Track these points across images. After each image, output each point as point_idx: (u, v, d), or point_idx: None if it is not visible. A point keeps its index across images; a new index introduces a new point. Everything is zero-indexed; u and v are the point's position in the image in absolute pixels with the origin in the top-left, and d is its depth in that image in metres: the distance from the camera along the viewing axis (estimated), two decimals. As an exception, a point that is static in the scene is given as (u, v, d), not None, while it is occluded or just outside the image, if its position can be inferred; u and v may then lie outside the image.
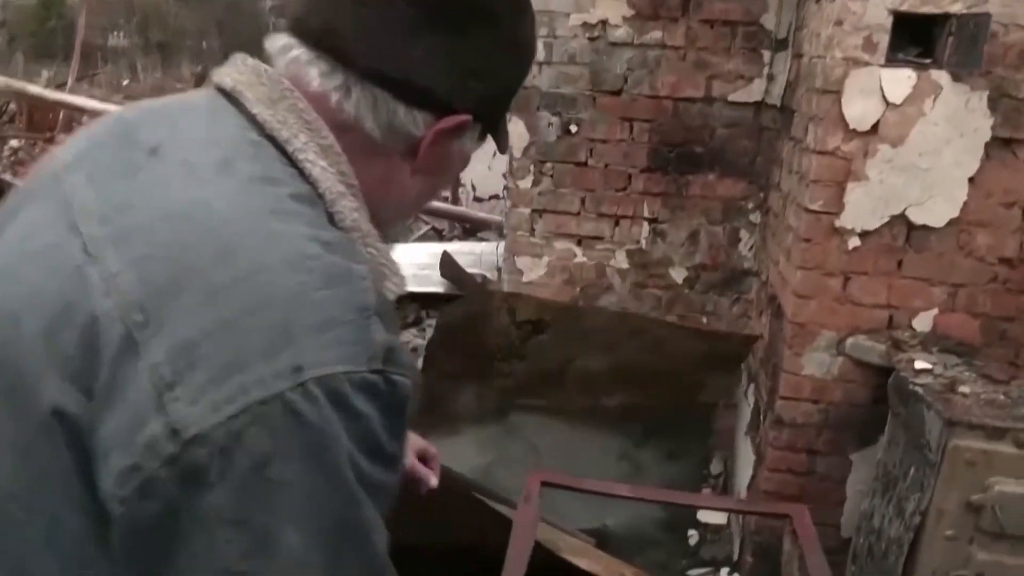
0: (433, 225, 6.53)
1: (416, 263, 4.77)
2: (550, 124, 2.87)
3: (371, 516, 0.60)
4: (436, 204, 5.03)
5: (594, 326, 2.82)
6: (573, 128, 2.87)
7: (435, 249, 5.04)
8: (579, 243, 2.98)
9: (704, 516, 3.10)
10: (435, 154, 0.72)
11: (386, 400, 0.59)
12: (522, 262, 3.02)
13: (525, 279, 3.03)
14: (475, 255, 4.73)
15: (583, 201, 2.94)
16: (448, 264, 4.35)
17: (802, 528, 1.56)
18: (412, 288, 4.60)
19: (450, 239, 5.87)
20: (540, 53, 2.81)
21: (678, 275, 2.97)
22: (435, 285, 4.60)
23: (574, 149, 2.89)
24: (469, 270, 4.35)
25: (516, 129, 2.90)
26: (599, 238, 2.96)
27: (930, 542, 1.97)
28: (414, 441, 1.30)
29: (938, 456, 1.92)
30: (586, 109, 2.85)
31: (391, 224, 0.77)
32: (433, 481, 1.32)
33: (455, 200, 6.79)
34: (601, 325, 2.81)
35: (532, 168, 2.92)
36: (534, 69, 2.84)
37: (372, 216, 0.72)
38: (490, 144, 0.78)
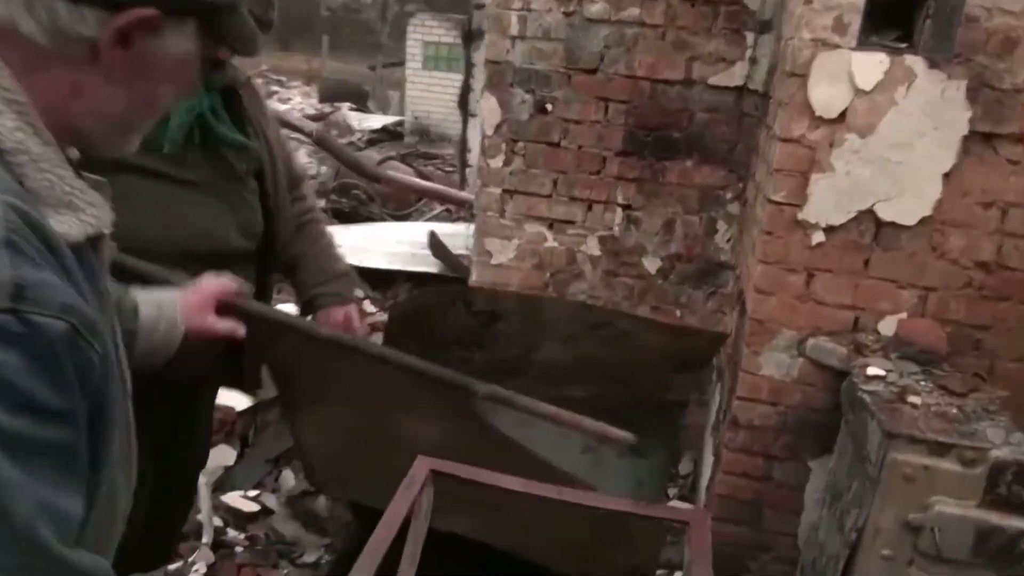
0: (448, 207, 6.48)
1: (419, 242, 4.73)
2: (523, 101, 2.77)
3: (8, 475, 0.54)
4: (418, 182, 4.96)
5: (555, 317, 2.73)
6: (548, 107, 2.77)
7: (443, 230, 4.98)
8: (550, 227, 2.88)
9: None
10: (128, 58, 0.66)
11: (27, 344, 0.54)
12: (491, 244, 2.94)
13: (494, 261, 2.95)
14: (467, 236, 4.67)
15: (555, 183, 2.83)
16: (435, 244, 4.29)
17: (697, 537, 1.45)
18: (406, 267, 4.56)
19: (455, 220, 5.81)
20: (514, 26, 2.71)
21: (651, 265, 2.85)
22: (430, 265, 4.55)
23: (547, 128, 2.79)
24: (458, 251, 4.28)
25: (488, 105, 2.81)
26: (571, 222, 2.86)
27: (866, 561, 1.84)
28: (211, 292, 1.33)
29: (877, 470, 1.79)
30: (560, 87, 2.74)
31: (105, 142, 0.72)
32: (239, 330, 1.35)
33: (463, 180, 6.72)
34: (563, 316, 2.71)
35: (503, 147, 2.83)
36: (506, 43, 2.74)
37: (71, 135, 0.67)
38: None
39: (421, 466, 1.57)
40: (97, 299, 0.68)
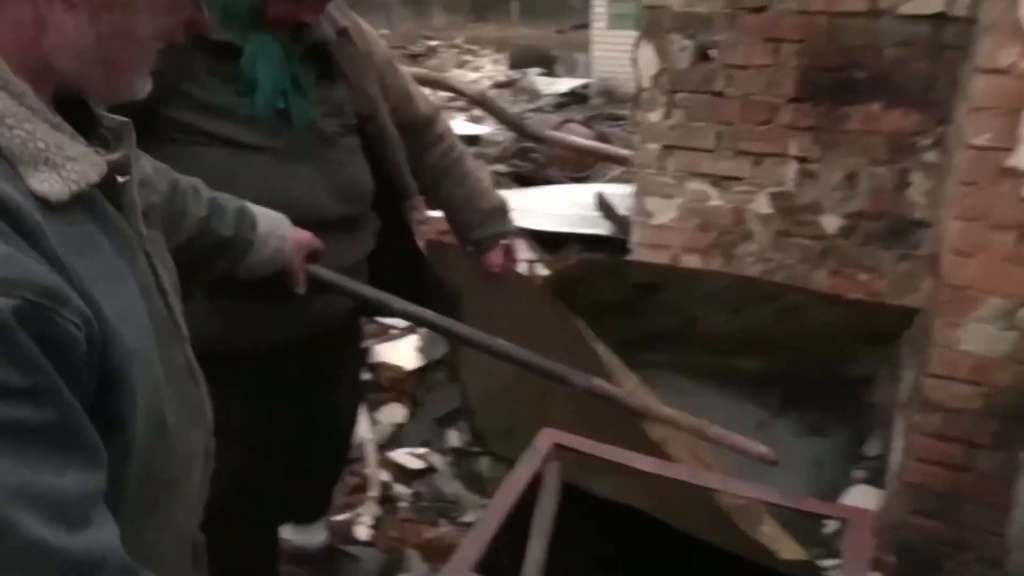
0: (628, 169, 6.29)
1: (592, 204, 4.62)
2: (682, 49, 2.56)
3: None
4: (579, 140, 4.79)
5: (718, 288, 2.52)
6: (710, 53, 2.54)
7: (614, 190, 4.84)
8: (715, 184, 2.66)
9: (851, 498, 2.71)
10: None
11: None
12: (651, 204, 2.77)
13: (654, 222, 2.78)
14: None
15: (719, 136, 2.61)
16: (604, 205, 4.16)
17: (854, 540, 1.26)
18: (576, 229, 4.48)
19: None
20: (672, -34, 2.50)
21: (831, 224, 2.55)
22: (600, 227, 4.43)
23: (709, 77, 2.56)
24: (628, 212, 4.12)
25: (645, 54, 2.63)
26: (738, 178, 2.63)
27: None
28: (305, 241, 1.35)
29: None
30: (724, 30, 2.50)
31: (90, 84, 0.66)
32: (300, 289, 1.35)
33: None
34: (726, 287, 2.49)
35: (663, 99, 2.64)
36: (664, -15, 2.54)
37: (53, 78, 0.63)
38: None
39: (545, 438, 1.50)
40: (110, 252, 0.65)
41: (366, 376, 3.03)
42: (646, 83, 2.65)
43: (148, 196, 0.85)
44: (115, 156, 0.68)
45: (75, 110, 0.68)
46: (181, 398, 0.77)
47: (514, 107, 11.32)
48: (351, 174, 1.55)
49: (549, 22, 21.10)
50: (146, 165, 0.88)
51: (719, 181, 2.65)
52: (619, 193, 4.41)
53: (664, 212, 2.75)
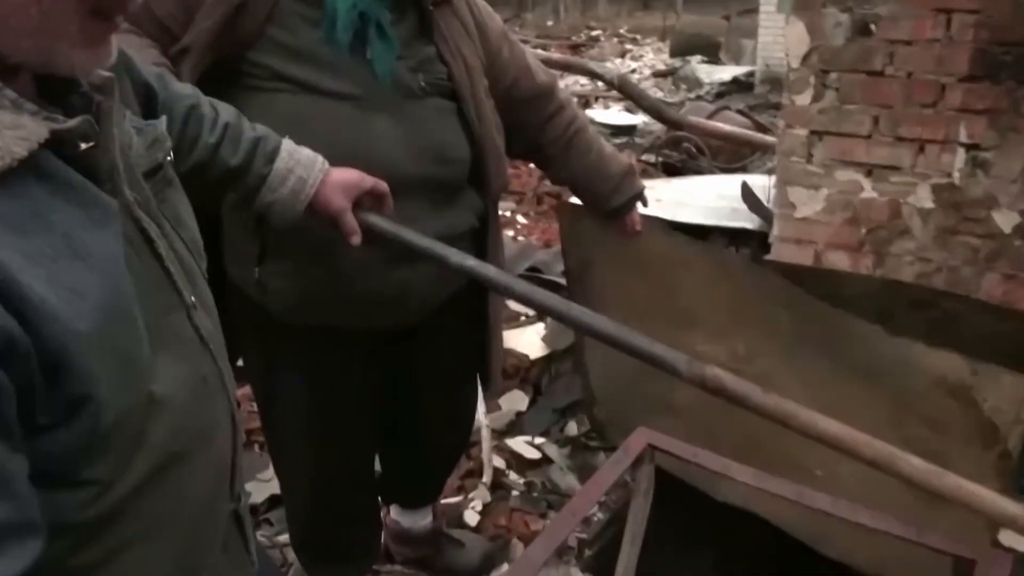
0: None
1: (737, 195, 4.38)
2: (838, 24, 2.33)
3: None
4: (723, 127, 4.51)
5: (859, 292, 2.27)
6: (871, 27, 2.29)
7: (761, 181, 4.56)
8: (868, 174, 2.41)
9: (1008, 539, 2.38)
10: None
11: None
12: (795, 194, 2.55)
13: (798, 215, 2.56)
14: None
15: (876, 121, 2.35)
16: (749, 196, 3.89)
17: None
18: (721, 222, 4.25)
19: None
20: (828, -66, 2.27)
21: (1006, 221, 2.23)
22: (748, 220, 4.18)
23: (868, 54, 2.31)
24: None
25: (795, 31, 2.41)
26: (895, 168, 2.36)
27: None
28: (352, 181, 1.24)
29: None
30: (886, 1, 2.24)
31: (16, 49, 0.60)
32: (355, 239, 1.25)
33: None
34: (868, 292, 2.25)
35: (812, 80, 2.41)
36: (818, -46, 2.31)
37: None
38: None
39: (638, 438, 1.39)
40: (66, 224, 0.62)
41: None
42: (795, 63, 2.44)
43: (154, 154, 0.80)
44: (71, 124, 0.63)
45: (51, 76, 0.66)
46: (186, 369, 0.74)
47: (674, 96, 11.03)
48: (436, 135, 1.46)
49: (716, 8, 20.35)
50: (159, 124, 0.84)
51: (874, 170, 2.40)
52: (766, 184, 4.14)
53: (809, 204, 2.53)
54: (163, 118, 0.86)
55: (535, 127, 1.72)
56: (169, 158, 0.83)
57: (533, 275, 3.40)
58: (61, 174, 0.63)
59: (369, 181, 1.26)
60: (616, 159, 1.82)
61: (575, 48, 15.44)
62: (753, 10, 13.45)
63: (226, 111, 1.18)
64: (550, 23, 22.27)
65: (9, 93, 0.60)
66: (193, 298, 0.78)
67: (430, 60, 1.46)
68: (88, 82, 0.70)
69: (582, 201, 1.88)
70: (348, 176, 1.25)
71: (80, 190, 0.64)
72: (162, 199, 0.78)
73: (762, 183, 4.21)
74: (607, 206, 1.82)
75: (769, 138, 4.29)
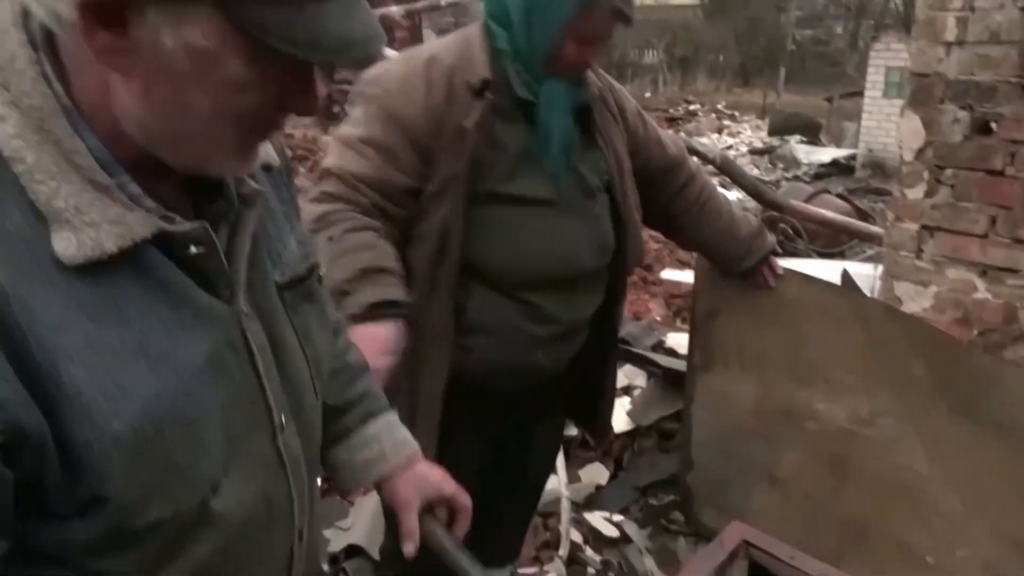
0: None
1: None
2: (956, 120, 2.29)
3: None
4: (824, 213, 4.40)
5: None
6: (991, 125, 2.24)
7: (862, 269, 4.43)
8: (982, 274, 2.32)
9: None
10: (122, 47, 0.56)
11: None
12: (902, 289, 2.48)
13: (905, 311, 2.49)
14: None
15: (993, 220, 2.28)
16: (849, 286, 3.79)
17: None
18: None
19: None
20: (950, 30, 2.26)
21: None
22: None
23: (987, 153, 2.26)
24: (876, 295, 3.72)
25: (910, 125, 2.38)
26: (1013, 271, 2.27)
27: None
28: (433, 482, 1.06)
29: None
30: (1010, 101, 2.19)
31: (174, 155, 0.63)
32: (408, 548, 1.03)
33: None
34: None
35: (926, 174, 2.37)
36: (938, 51, 2.29)
37: (124, 141, 0.61)
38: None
39: (732, 533, 1.36)
40: (147, 321, 0.62)
41: (572, 431, 3.00)
42: (908, 156, 2.40)
43: (302, 266, 0.80)
44: (183, 227, 0.63)
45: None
46: (253, 490, 0.71)
47: (770, 175, 10.94)
48: (605, 229, 1.58)
49: (818, 89, 20.21)
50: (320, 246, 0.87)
51: (989, 271, 2.32)
52: (867, 273, 4.03)
53: (917, 300, 2.46)
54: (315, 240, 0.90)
55: (668, 197, 1.78)
56: (317, 273, 0.83)
57: (623, 347, 3.39)
58: (161, 272, 0.63)
59: (450, 489, 1.06)
60: (745, 221, 1.86)
61: (672, 121, 15.55)
62: (857, 93, 13.31)
63: (354, 355, 1.07)
64: (648, 95, 22.54)
65: (133, 188, 0.62)
66: (283, 418, 0.74)
67: (595, 158, 1.56)
68: (239, 192, 0.70)
69: (715, 265, 1.93)
70: (430, 475, 1.06)
71: (177, 291, 0.64)
72: (296, 311, 0.78)
73: (863, 272, 4.10)
74: (740, 268, 1.86)
75: (874, 228, 4.19)
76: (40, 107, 0.57)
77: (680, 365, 3.10)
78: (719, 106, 19.80)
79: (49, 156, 0.57)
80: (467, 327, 1.51)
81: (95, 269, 0.58)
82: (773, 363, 1.93)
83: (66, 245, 0.57)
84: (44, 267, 0.56)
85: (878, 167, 10.98)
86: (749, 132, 15.69)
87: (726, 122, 17.22)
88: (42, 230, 0.57)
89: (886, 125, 11.11)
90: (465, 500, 1.07)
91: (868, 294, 3.64)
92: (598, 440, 2.02)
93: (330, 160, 1.48)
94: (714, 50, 26.76)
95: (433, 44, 1.55)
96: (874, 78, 11.54)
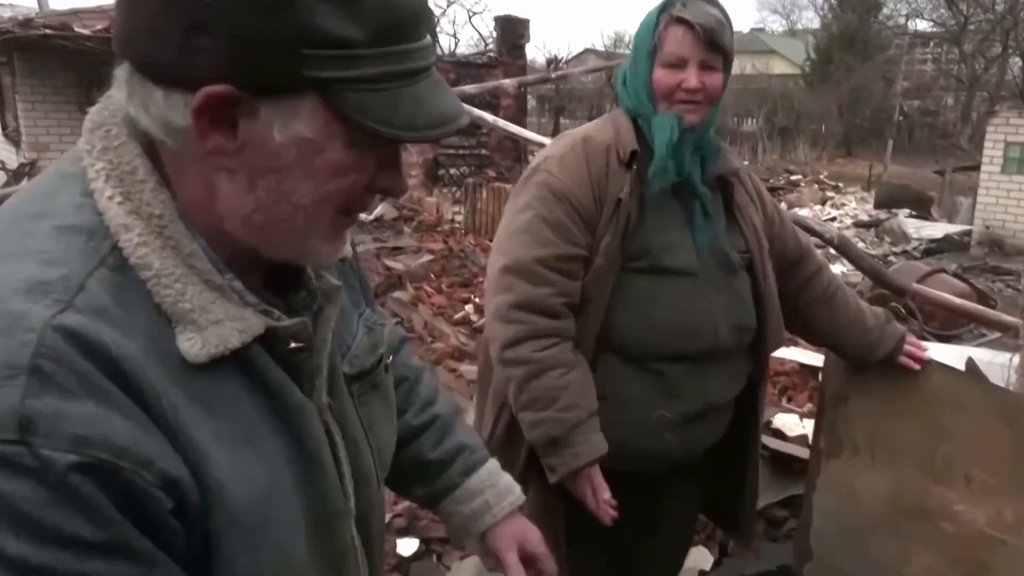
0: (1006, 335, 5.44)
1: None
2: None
3: None
4: (952, 299, 4.19)
5: None
6: None
7: (989, 358, 4.21)
8: None
9: None
10: (230, 147, 0.60)
11: (40, 477, 0.52)
12: (1041, 386, 2.36)
13: (1043, 407, 2.35)
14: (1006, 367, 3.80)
15: None
16: (976, 376, 3.59)
17: None
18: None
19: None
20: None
21: None
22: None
23: None
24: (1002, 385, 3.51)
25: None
26: None
27: None
28: (527, 535, 1.07)
29: None
30: None
31: (272, 246, 0.65)
32: None
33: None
34: None
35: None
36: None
37: (239, 239, 0.64)
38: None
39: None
40: (254, 415, 0.65)
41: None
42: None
43: (370, 358, 0.82)
44: (288, 323, 0.66)
45: (289, 269, 0.70)
46: None
47: (876, 249, 10.59)
48: (746, 308, 1.59)
49: (926, 161, 19.58)
50: (387, 328, 0.87)
51: None
52: (997, 362, 3.81)
53: (1057, 398, 2.32)
54: (391, 323, 0.90)
55: (797, 288, 1.77)
56: (384, 362, 0.85)
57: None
58: (261, 367, 0.65)
59: (540, 547, 1.07)
60: (872, 311, 1.83)
61: (773, 191, 15.32)
62: (972, 168, 12.82)
63: (445, 403, 1.09)
64: (747, 162, 22.31)
65: (237, 285, 0.64)
66: (353, 506, 0.76)
67: (735, 235, 1.59)
68: (319, 287, 0.73)
69: (846, 359, 1.88)
70: (525, 528, 1.08)
71: (276, 387, 0.66)
72: (363, 402, 0.79)
73: (988, 359, 3.89)
74: (873, 358, 1.81)
75: (1008, 318, 3.99)
76: (160, 215, 0.61)
77: (788, 448, 3.01)
78: (821, 176, 19.41)
79: (171, 261, 0.61)
80: (597, 399, 1.52)
81: (208, 366, 0.61)
82: (907, 455, 1.85)
83: (191, 344, 0.60)
84: (170, 366, 0.59)
85: (996, 245, 10.48)
86: (854, 204, 15.28)
87: (829, 193, 16.84)
88: (167, 331, 0.60)
89: (1005, 201, 10.63)
90: (552, 568, 1.08)
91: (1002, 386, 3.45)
92: (742, 542, 1.96)
93: (503, 258, 1.51)
94: (815, 119, 26.31)
95: (585, 126, 1.62)
96: (992, 153, 11.09)
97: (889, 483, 1.87)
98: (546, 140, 6.35)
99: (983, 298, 5.88)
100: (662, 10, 1.48)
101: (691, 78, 1.46)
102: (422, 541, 2.66)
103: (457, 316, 4.44)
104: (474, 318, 4.41)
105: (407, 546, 2.61)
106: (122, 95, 0.62)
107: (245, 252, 0.65)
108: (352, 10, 0.57)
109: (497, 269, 1.52)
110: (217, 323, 0.62)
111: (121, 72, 0.62)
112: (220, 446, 0.61)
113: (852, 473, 1.93)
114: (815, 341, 1.96)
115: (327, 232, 0.66)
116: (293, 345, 0.67)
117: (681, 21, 1.45)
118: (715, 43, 1.45)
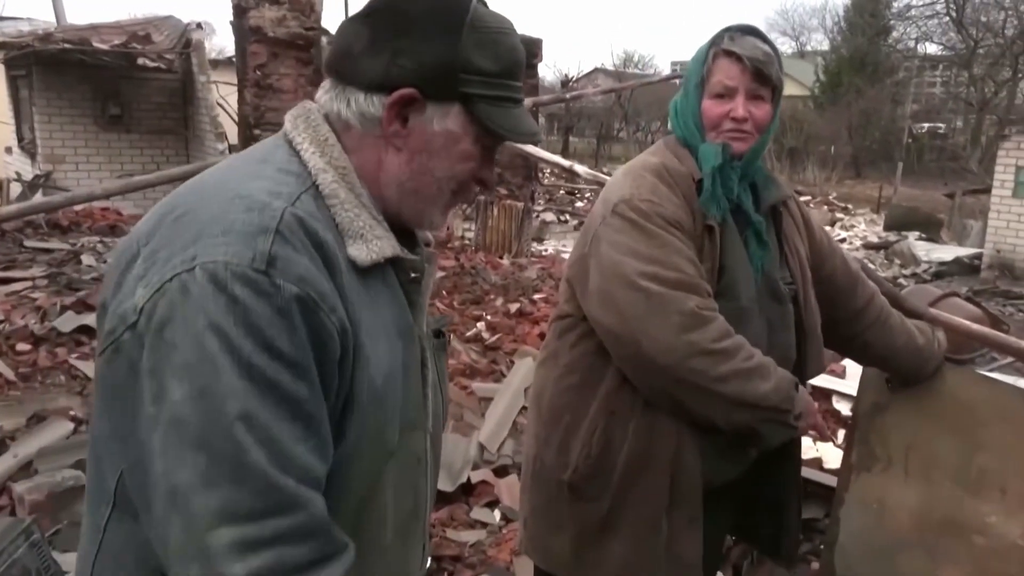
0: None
1: None
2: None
3: (247, 403, 0.71)
4: (968, 324, 4.16)
5: None
6: None
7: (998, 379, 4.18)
8: None
9: None
10: (405, 133, 0.87)
11: (273, 299, 0.73)
12: (1059, 412, 2.34)
13: (1062, 435, 2.34)
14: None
15: None
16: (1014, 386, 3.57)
17: None
18: None
19: (1031, 375, 4.75)
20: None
21: None
22: None
23: None
24: None
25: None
26: None
27: None
28: None
29: None
30: None
31: (404, 210, 0.91)
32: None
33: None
34: None
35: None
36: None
37: (388, 199, 0.89)
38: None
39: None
40: (388, 317, 0.87)
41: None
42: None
43: (438, 323, 1.05)
44: (414, 257, 0.91)
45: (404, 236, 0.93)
46: (405, 482, 0.94)
47: (886, 271, 10.55)
48: (788, 340, 1.59)
49: (935, 184, 19.57)
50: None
51: None
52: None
53: (1077, 425, 2.30)
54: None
55: (851, 314, 1.76)
56: (446, 336, 1.07)
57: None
58: (392, 282, 0.89)
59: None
60: (920, 330, 1.83)
61: (781, 212, 15.28)
62: (983, 191, 12.79)
63: None
64: (754, 183, 22.28)
65: (386, 225, 0.89)
66: (431, 428, 0.98)
67: (781, 264, 1.60)
68: (424, 253, 0.97)
69: (898, 378, 1.88)
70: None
71: (401, 303, 0.90)
72: (438, 358, 1.02)
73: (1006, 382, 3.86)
74: (926, 374, 1.83)
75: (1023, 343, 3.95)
76: (344, 167, 0.87)
77: (803, 471, 2.99)
78: (830, 197, 19.41)
79: (351, 195, 0.86)
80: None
81: (367, 271, 0.85)
82: (941, 466, 1.83)
83: (360, 251, 0.84)
84: (342, 267, 0.82)
85: (1006, 268, 10.45)
86: (863, 226, 15.26)
87: (839, 214, 16.83)
88: (340, 243, 0.83)
89: (1016, 225, 10.62)
90: None
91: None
92: (784, 564, 1.94)
93: (654, 285, 1.43)
94: (825, 140, 26.34)
95: (647, 157, 1.60)
96: (1003, 176, 11.07)
97: (921, 497, 1.85)
98: (563, 161, 6.33)
99: (996, 322, 5.82)
100: (712, 44, 1.51)
101: (738, 107, 1.47)
102: (434, 559, 2.65)
103: (468, 333, 4.42)
104: (486, 335, 4.39)
105: (420, 564, 2.60)
106: (327, 96, 0.89)
107: (386, 216, 0.89)
108: (493, 53, 0.87)
109: (667, 307, 1.42)
110: (378, 239, 0.86)
111: (327, 83, 0.91)
112: (370, 327, 0.83)
113: (883, 487, 1.91)
114: (869, 363, 1.94)
115: (443, 206, 0.93)
116: (413, 275, 0.91)
117: (729, 54, 1.47)
118: (762, 74, 1.47)
